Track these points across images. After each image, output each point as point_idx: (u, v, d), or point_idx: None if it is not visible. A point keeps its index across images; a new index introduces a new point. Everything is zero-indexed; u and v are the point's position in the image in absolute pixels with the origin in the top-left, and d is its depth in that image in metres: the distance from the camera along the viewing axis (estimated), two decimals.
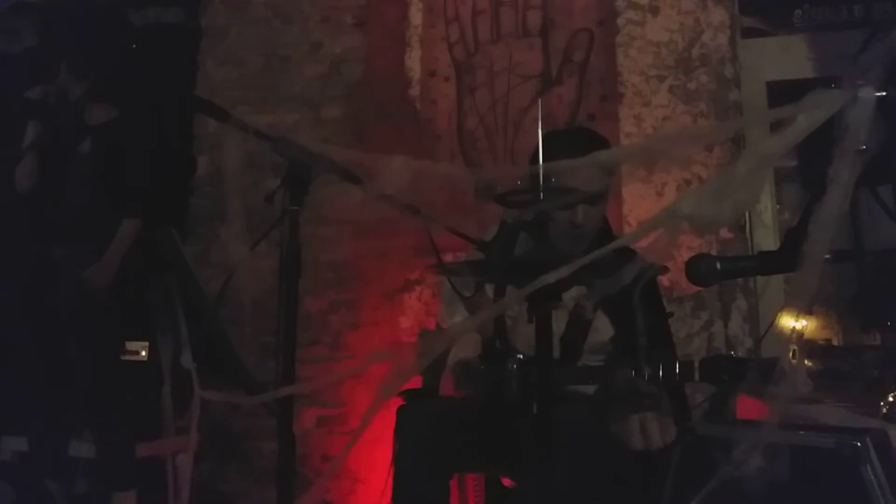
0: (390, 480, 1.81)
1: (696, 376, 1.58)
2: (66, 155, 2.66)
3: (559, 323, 1.89)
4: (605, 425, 1.79)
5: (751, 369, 1.42)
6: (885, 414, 1.76)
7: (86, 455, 2.61)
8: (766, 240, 2.86)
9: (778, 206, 2.95)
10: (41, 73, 2.79)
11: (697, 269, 1.56)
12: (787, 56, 2.97)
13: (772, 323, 2.61)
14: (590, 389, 1.93)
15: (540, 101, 2.93)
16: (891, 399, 1.82)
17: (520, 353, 1.84)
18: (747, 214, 2.74)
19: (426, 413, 1.92)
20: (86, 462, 2.65)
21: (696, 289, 2.61)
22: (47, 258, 2.64)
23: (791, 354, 1.38)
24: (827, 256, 0.95)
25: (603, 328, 1.94)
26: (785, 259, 1.35)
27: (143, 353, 2.80)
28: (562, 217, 1.87)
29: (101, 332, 2.58)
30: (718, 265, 1.54)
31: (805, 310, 1.00)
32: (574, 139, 1.99)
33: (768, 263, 1.64)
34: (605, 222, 2.05)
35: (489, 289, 1.91)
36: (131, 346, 2.79)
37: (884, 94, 0.95)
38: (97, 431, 2.57)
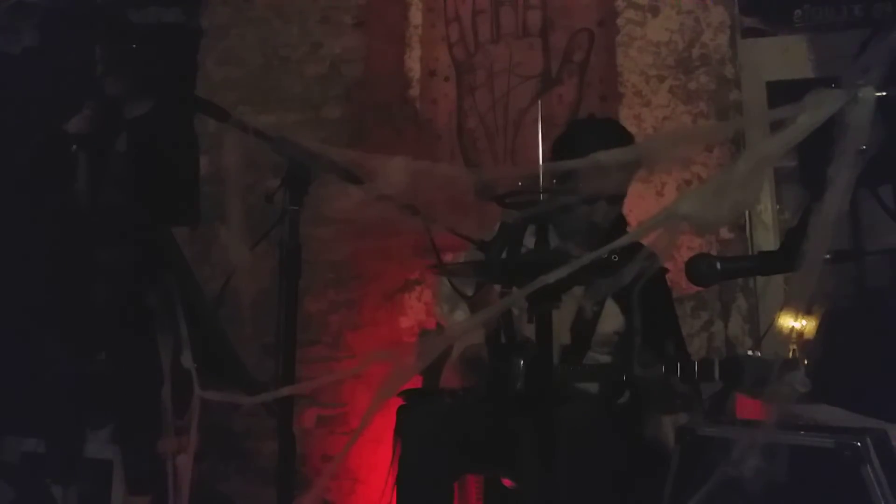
0: (390, 480, 1.81)
1: (717, 375, 1.60)
2: (105, 155, 2.62)
3: (570, 312, 1.91)
4: (636, 428, 1.80)
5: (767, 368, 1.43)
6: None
7: (99, 456, 2.61)
8: (766, 240, 2.86)
9: (778, 206, 2.95)
10: (45, 76, 2.76)
11: (697, 269, 1.56)
12: (787, 56, 2.97)
13: (772, 323, 2.62)
14: (591, 387, 1.94)
15: (540, 101, 2.93)
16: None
17: (528, 341, 1.85)
18: (747, 214, 2.74)
19: (431, 414, 1.92)
20: (96, 463, 2.64)
21: (696, 289, 2.61)
22: (86, 261, 2.60)
23: (791, 354, 1.38)
24: (827, 256, 0.95)
25: (614, 317, 1.95)
26: (785, 259, 1.35)
27: None
28: (579, 212, 1.89)
29: (134, 333, 2.55)
30: (718, 265, 1.54)
31: (805, 310, 1.00)
32: (605, 131, 2.03)
33: (768, 263, 1.64)
34: (622, 219, 2.08)
35: (496, 286, 1.92)
36: None
37: (884, 94, 0.95)
38: (122, 434, 2.56)
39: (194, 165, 2.70)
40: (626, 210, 2.84)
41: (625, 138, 2.00)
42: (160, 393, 2.52)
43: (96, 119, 2.57)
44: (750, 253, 2.75)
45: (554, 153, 2.10)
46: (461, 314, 2.09)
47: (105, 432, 2.65)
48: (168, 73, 2.91)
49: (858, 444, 1.34)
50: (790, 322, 1.51)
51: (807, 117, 0.95)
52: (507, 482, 2.01)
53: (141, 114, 2.65)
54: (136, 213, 2.55)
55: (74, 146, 2.54)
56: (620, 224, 2.06)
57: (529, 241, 2.03)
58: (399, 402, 2.20)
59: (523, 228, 2.01)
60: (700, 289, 2.62)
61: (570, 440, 1.42)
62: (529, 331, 1.85)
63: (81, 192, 2.62)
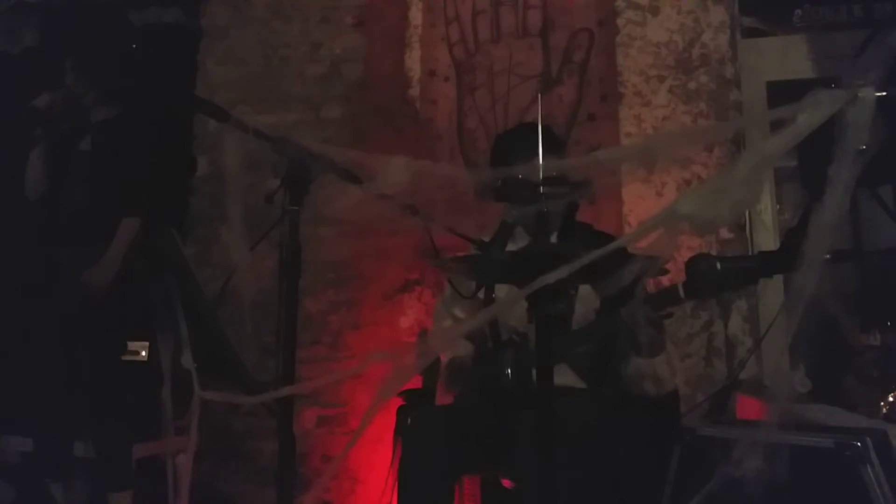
0: (390, 480, 1.81)
1: (682, 294, 1.61)
2: (69, 155, 2.65)
3: None
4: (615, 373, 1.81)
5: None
6: (885, 414, 1.76)
7: (88, 455, 2.61)
8: (766, 240, 2.86)
9: (778, 206, 2.95)
10: (45, 77, 2.79)
11: (697, 269, 1.56)
12: (787, 56, 2.97)
13: (772, 323, 2.61)
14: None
15: (540, 100, 2.93)
16: (891, 399, 1.82)
17: (515, 333, 1.86)
18: (747, 214, 2.74)
19: (433, 415, 1.92)
20: (87, 462, 2.64)
21: None
22: (52, 260, 2.62)
23: (790, 354, 1.38)
24: (827, 256, 0.95)
25: (590, 296, 1.95)
26: (785, 259, 1.35)
27: (143, 353, 2.80)
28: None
29: (101, 331, 2.57)
30: (718, 265, 1.54)
31: (805, 310, 1.00)
32: (533, 138, 2.06)
33: (768, 263, 1.64)
34: (575, 204, 2.10)
35: (481, 294, 1.92)
36: (131, 346, 2.78)
37: (884, 94, 0.95)
38: (94, 432, 2.56)
39: (146, 167, 2.72)
40: (626, 210, 2.87)
41: (553, 142, 2.02)
42: (132, 388, 2.54)
43: (60, 102, 2.60)
44: (750, 253, 2.75)
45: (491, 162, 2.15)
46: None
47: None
48: (139, 82, 2.94)
49: (858, 444, 1.34)
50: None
51: (807, 117, 0.95)
52: (506, 482, 2.01)
53: (105, 118, 2.69)
54: (96, 211, 2.58)
55: (24, 115, 2.57)
56: (573, 209, 2.09)
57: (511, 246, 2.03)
58: (399, 402, 2.20)
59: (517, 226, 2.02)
60: None
61: (568, 437, 1.41)
62: (517, 319, 1.86)
63: (35, 164, 2.65)
